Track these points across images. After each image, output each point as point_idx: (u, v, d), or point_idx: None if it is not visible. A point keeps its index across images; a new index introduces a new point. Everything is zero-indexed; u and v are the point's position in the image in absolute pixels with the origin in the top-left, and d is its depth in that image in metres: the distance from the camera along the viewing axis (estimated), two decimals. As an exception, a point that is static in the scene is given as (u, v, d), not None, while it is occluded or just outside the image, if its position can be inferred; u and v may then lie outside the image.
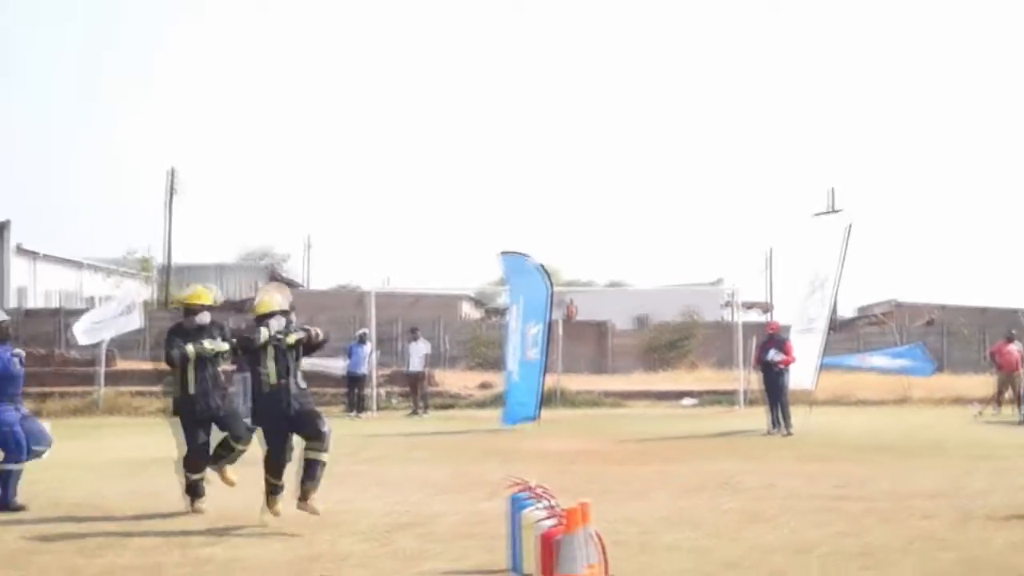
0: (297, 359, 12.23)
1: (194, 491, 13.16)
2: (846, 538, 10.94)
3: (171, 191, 61.60)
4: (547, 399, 29.58)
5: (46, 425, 14.84)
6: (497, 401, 32.71)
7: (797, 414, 24.77)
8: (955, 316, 54.65)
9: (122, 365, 39.11)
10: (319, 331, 12.38)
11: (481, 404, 35.14)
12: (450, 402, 35.74)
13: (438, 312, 52.96)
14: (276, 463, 12.00)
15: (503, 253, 28.18)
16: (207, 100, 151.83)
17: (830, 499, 13.75)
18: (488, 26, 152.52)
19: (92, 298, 61.61)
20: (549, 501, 8.30)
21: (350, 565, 9.81)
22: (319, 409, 12.52)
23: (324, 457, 11.81)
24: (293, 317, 12.41)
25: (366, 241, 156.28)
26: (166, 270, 60.15)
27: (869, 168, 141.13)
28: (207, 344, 13.14)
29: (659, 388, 39.11)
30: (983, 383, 37.78)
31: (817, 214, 28.12)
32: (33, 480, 16.66)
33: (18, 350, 14.37)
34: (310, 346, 12.30)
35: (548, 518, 7.71)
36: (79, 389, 35.19)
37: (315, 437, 11.81)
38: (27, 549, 10.76)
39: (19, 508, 13.30)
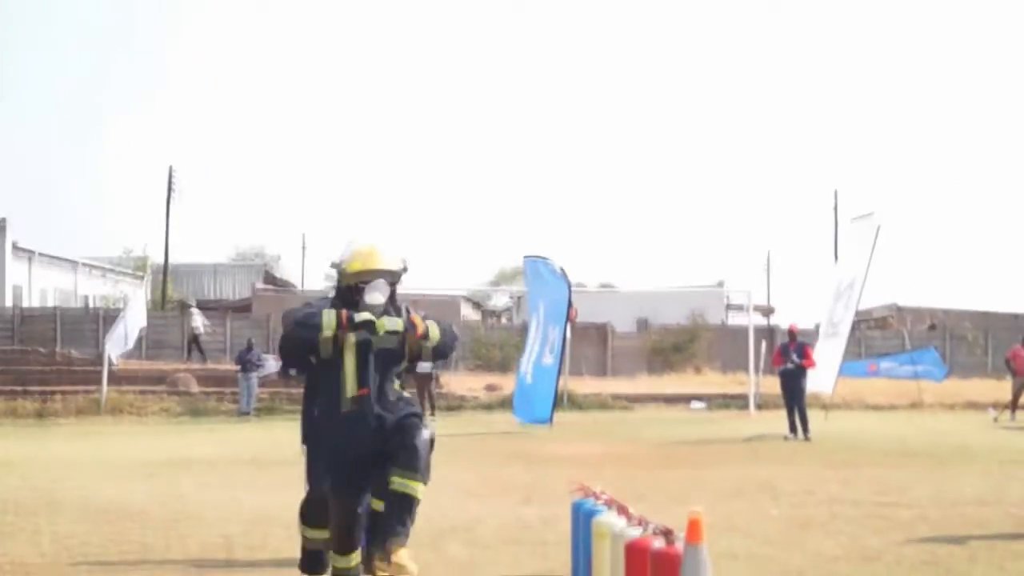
0: (396, 362, 8.06)
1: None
2: (907, 546, 10.59)
3: (170, 190, 61.20)
4: (556, 402, 29.32)
5: None
6: (504, 404, 32.68)
7: (813, 419, 24.49)
8: (957, 320, 54.44)
9: (123, 365, 38.69)
10: (448, 329, 8.27)
11: (488, 406, 34.95)
12: (457, 403, 35.47)
13: (438, 314, 51.94)
14: (345, 529, 7.96)
15: (527, 257, 28.08)
16: (203, 99, 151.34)
17: (876, 506, 13.42)
18: (496, 30, 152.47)
19: (87, 297, 61.23)
20: (626, 509, 7.96)
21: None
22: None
23: (418, 490, 7.82)
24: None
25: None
26: (164, 270, 59.59)
27: (869, 170, 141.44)
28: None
29: (666, 391, 38.84)
30: (993, 387, 37.72)
31: (854, 219, 27.66)
32: (56, 478, 16.42)
33: None
34: (437, 350, 8.16)
35: (635, 527, 7.37)
36: (82, 388, 34.88)
37: (406, 458, 7.71)
38: (65, 555, 10.40)
39: None
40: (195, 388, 36.63)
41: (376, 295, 7.75)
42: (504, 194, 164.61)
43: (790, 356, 24.27)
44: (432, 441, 7.91)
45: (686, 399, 37.28)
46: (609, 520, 8.03)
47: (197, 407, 34.20)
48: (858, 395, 35.31)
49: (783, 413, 25.39)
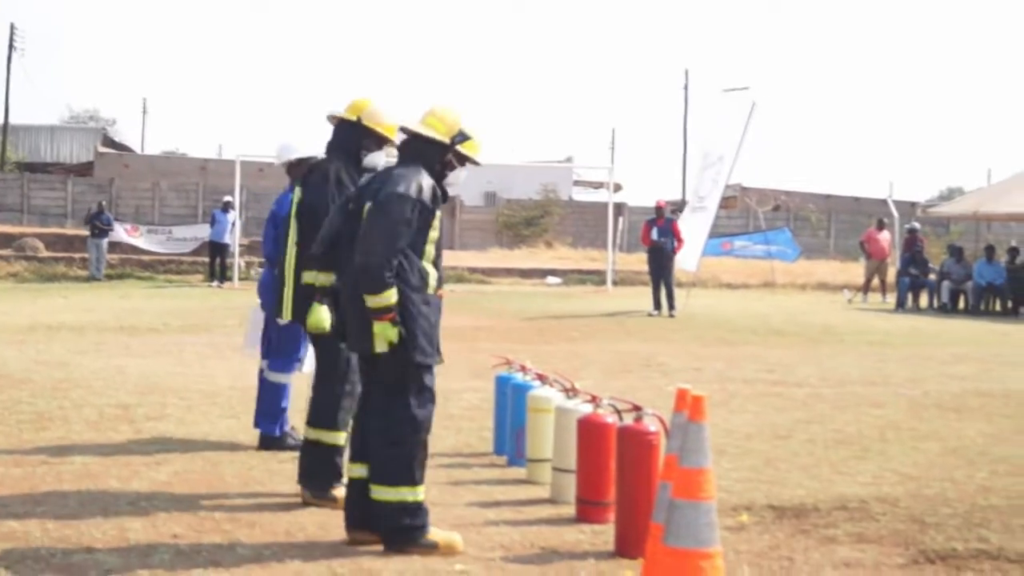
0: None
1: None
2: (813, 425, 10.64)
3: (11, 48, 59.08)
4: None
5: None
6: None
7: (677, 296, 24.57)
8: (801, 202, 55.30)
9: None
10: None
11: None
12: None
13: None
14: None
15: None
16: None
17: (767, 384, 13.51)
18: None
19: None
20: (563, 383, 7.85)
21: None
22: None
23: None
24: None
25: (201, 106, 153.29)
26: (3, 130, 57.61)
27: (718, 48, 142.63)
28: None
29: (521, 266, 38.86)
30: (839, 269, 38.46)
31: (726, 90, 27.47)
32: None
33: None
34: None
35: (586, 402, 7.24)
36: (-77, 252, 33.89)
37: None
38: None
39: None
40: (44, 252, 35.74)
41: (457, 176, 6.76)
42: (340, 61, 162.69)
43: (659, 233, 24.10)
44: None
45: (541, 274, 37.36)
46: (548, 395, 7.92)
47: (46, 271, 33.45)
48: (712, 273, 35.59)
49: (640, 290, 25.50)
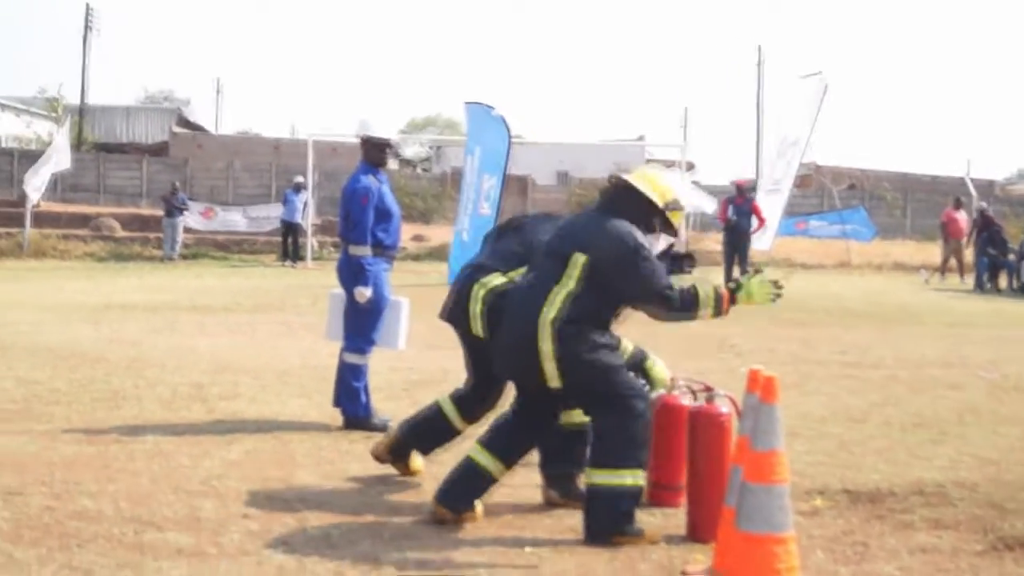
0: None
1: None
2: (888, 407, 10.51)
3: (87, 29, 59.67)
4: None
5: None
6: (433, 255, 32.63)
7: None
8: (876, 181, 54.71)
9: (44, 207, 37.86)
10: None
11: (416, 257, 34.59)
12: (385, 254, 35.22)
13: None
14: None
15: (468, 103, 27.08)
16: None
17: (842, 366, 13.35)
18: None
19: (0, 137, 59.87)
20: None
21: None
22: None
23: None
24: None
25: (274, 87, 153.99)
26: (80, 111, 58.19)
27: (792, 26, 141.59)
28: None
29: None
30: (916, 249, 38.01)
31: (802, 77, 27.19)
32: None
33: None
34: None
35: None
36: (2, 230, 34.17)
37: None
38: (36, 398, 10.08)
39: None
40: (119, 232, 36.09)
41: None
42: (414, 43, 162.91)
43: (736, 211, 23.93)
44: None
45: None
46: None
47: (121, 251, 33.77)
48: (786, 253, 35.32)
49: (713, 270, 25.17)
